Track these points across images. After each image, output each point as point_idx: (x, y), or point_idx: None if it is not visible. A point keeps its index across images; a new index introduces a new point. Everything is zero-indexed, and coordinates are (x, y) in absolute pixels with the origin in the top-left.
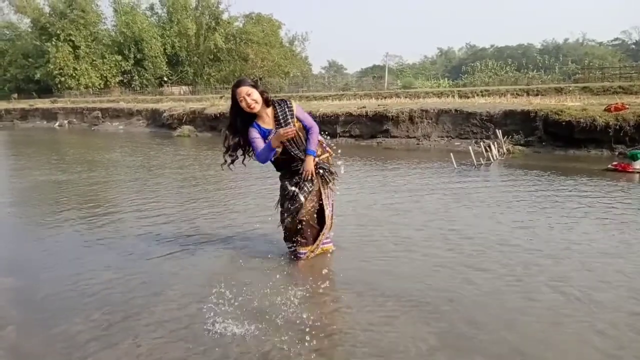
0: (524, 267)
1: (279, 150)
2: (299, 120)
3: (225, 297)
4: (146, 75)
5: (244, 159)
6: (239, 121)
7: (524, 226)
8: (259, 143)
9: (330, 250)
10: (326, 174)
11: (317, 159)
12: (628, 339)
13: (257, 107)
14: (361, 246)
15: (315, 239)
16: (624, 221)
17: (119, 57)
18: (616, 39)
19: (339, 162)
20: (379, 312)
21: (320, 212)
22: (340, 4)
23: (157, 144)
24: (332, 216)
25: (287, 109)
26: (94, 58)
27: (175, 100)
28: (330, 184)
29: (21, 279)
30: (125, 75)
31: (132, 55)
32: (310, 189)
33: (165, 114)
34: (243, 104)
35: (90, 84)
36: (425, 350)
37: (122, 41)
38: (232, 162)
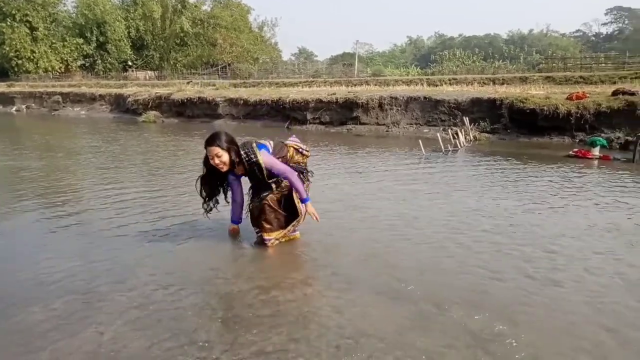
0: (489, 250)
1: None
2: (267, 170)
3: (191, 284)
4: (109, 59)
5: (225, 197)
6: (211, 176)
7: (489, 210)
8: (235, 187)
9: (297, 238)
10: (301, 175)
11: (291, 163)
12: (584, 314)
13: (225, 168)
14: (331, 232)
15: (281, 225)
16: (584, 205)
17: (81, 40)
18: (578, 31)
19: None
20: (349, 295)
21: (289, 201)
22: None
23: (122, 130)
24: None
25: (255, 167)
26: (54, 41)
27: (141, 85)
28: (304, 185)
29: None
30: (87, 59)
31: (94, 39)
32: (278, 189)
33: (129, 99)
34: (212, 162)
35: (49, 68)
36: (395, 331)
37: (83, 23)
38: (209, 210)
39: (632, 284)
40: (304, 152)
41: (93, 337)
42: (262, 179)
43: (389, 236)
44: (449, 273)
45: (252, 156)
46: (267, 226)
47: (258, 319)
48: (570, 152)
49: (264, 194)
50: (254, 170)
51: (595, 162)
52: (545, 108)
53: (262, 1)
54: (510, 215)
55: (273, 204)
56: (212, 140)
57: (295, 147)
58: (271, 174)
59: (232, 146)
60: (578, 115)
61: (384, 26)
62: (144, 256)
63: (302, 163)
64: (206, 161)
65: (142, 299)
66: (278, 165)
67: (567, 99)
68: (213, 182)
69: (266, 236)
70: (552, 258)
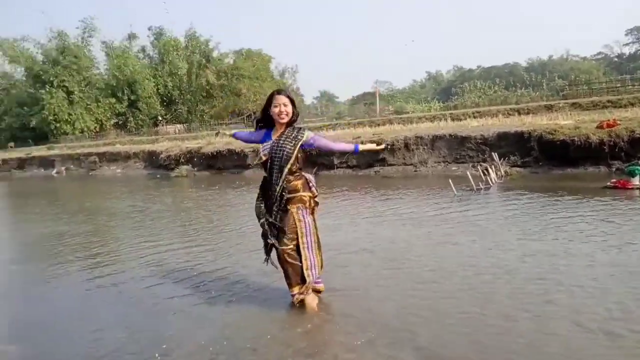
0: (538, 303)
1: (262, 161)
2: (303, 148)
3: (235, 350)
4: (140, 116)
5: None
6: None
7: (531, 254)
8: (250, 136)
9: (322, 291)
10: (301, 209)
11: (296, 193)
12: None
13: (286, 119)
14: (368, 287)
15: (299, 278)
16: (628, 242)
17: (113, 100)
18: (599, 53)
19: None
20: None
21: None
22: (325, 34)
23: (156, 186)
24: (314, 255)
25: (296, 134)
26: (88, 102)
27: (171, 139)
28: (305, 220)
29: (25, 346)
30: (119, 117)
31: (125, 97)
32: (287, 236)
33: (162, 156)
34: (276, 110)
35: (85, 128)
36: None
37: (115, 84)
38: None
39: None
40: (313, 188)
41: None
42: (282, 164)
43: (432, 290)
44: (483, 326)
45: (304, 129)
46: (287, 281)
47: None
48: (608, 183)
49: (280, 238)
50: (287, 139)
51: (636, 192)
52: (576, 138)
53: (281, 48)
54: (554, 259)
55: (289, 258)
56: (282, 90)
57: (307, 178)
58: (297, 160)
59: (295, 102)
60: (611, 143)
61: (401, 64)
62: (187, 323)
63: (307, 203)
64: (265, 110)
65: None
66: (322, 140)
67: (597, 127)
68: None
69: (291, 291)
70: (603, 305)
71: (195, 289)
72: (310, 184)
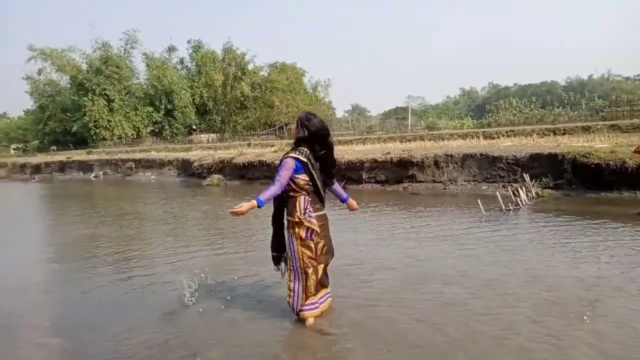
0: (555, 327)
1: None
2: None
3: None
4: (176, 124)
5: None
6: None
7: (561, 285)
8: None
9: (305, 319)
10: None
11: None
12: None
13: (294, 139)
14: (391, 305)
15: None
16: None
17: (151, 109)
18: None
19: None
20: None
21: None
22: (361, 48)
23: (188, 194)
24: (298, 280)
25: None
26: (127, 110)
27: (204, 148)
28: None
29: (68, 340)
30: (156, 125)
31: (163, 107)
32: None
33: (195, 164)
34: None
35: (123, 135)
36: None
37: (153, 93)
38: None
39: None
40: (297, 213)
41: None
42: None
43: (456, 315)
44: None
45: (287, 154)
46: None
47: None
48: None
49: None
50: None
51: None
52: (612, 163)
53: (315, 62)
54: (586, 288)
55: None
56: (301, 113)
57: (301, 201)
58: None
59: (300, 123)
60: None
61: (435, 79)
62: (214, 327)
63: (289, 227)
64: None
65: None
66: (280, 171)
67: (634, 152)
68: None
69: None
70: (629, 335)
71: (225, 295)
72: (295, 209)
